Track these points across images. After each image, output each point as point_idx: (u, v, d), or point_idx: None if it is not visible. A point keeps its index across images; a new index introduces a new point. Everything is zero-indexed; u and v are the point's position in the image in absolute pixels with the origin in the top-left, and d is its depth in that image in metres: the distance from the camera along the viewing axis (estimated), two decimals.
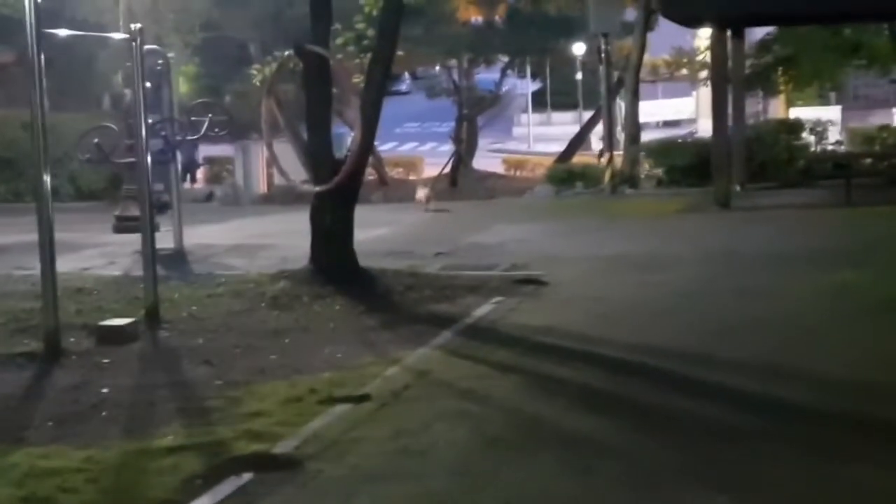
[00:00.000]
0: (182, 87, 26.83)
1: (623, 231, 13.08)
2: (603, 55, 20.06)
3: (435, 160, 30.14)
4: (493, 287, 8.80)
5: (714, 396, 5.48)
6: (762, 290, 8.40)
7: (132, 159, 9.19)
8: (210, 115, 12.31)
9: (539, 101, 45.68)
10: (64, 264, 10.85)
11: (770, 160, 17.99)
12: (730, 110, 16.24)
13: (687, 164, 18.22)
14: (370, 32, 10.68)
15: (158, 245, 11.55)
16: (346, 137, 14.37)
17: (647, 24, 21.78)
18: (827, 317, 7.38)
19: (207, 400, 5.58)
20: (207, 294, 8.70)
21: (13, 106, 21.50)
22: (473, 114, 28.33)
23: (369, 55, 9.44)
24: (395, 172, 28.28)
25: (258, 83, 17.15)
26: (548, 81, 44.03)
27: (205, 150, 23.91)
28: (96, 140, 11.29)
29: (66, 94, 25.24)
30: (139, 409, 5.47)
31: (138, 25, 7.70)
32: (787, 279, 8.91)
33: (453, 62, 27.79)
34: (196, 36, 22.60)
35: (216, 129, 11.93)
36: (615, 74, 23.50)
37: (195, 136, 12.44)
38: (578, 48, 31.77)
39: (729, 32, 16.19)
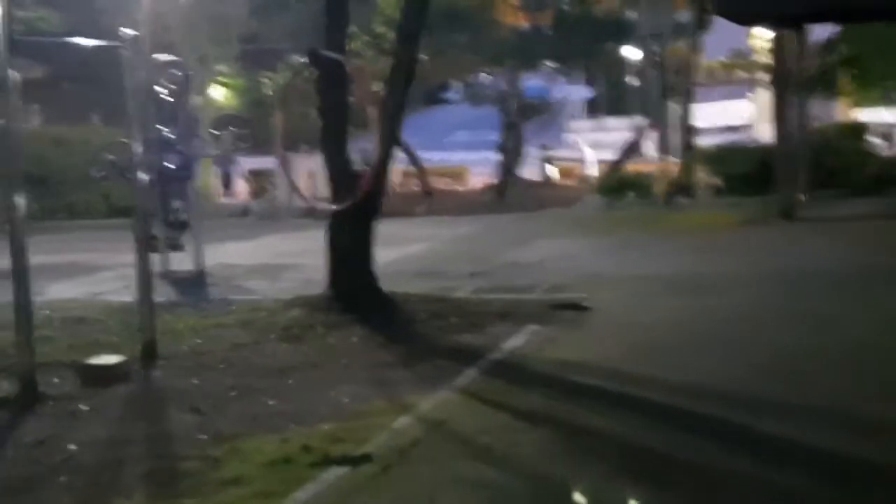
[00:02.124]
0: (229, 99, 26.36)
1: (677, 247, 12.09)
2: (655, 58, 19.09)
3: (483, 169, 29.25)
4: (528, 313, 7.94)
5: (785, 456, 4.53)
6: (834, 318, 7.42)
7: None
8: (234, 129, 11.69)
9: (592, 107, 44.51)
10: (75, 289, 10.29)
11: (838, 167, 16.81)
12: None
13: (747, 172, 17.12)
14: (390, 36, 9.85)
15: (178, 266, 10.98)
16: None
17: (701, 25, 20.72)
18: None
19: (184, 460, 4.79)
20: (215, 323, 7.98)
21: (45, 122, 21.26)
22: (520, 121, 27.38)
23: (389, 59, 8.60)
24: (440, 182, 27.48)
25: (270, 92, 16.52)
26: (603, 86, 42.85)
27: (249, 164, 23.30)
28: (111, 156, 10.73)
29: (114, 109, 24.94)
30: (103, 473, 4.70)
31: (132, 32, 7.01)
32: (860, 304, 7.92)
33: (499, 69, 26.87)
34: (234, 48, 22.10)
35: (240, 143, 11.30)
36: (668, 78, 22.43)
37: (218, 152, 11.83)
38: (630, 52, 30.63)
39: (790, 32, 15.14)
